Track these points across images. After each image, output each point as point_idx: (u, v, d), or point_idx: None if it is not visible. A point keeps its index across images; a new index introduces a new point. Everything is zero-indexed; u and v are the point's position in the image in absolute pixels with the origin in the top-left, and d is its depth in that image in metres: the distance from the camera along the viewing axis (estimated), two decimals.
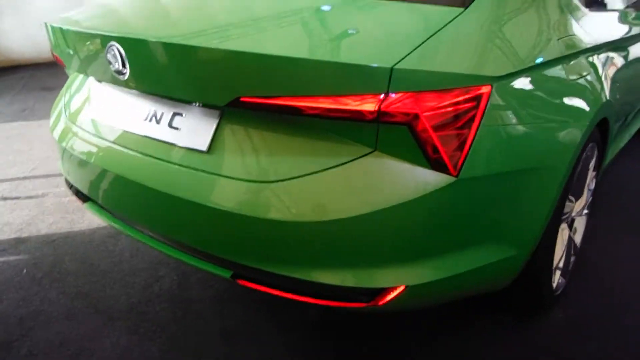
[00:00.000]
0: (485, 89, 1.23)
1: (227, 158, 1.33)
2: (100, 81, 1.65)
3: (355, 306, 1.33)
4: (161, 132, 1.44)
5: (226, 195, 1.31)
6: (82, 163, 1.64)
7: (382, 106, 1.16)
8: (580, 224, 2.06)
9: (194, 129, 1.38)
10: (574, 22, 1.73)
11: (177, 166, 1.38)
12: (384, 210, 1.20)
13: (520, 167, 1.36)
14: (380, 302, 1.30)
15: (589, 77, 1.69)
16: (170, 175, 1.39)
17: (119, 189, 1.54)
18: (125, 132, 1.53)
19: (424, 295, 1.36)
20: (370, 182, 1.23)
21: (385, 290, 1.30)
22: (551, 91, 1.50)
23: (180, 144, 1.40)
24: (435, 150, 1.19)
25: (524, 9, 1.50)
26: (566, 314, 1.88)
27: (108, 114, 1.60)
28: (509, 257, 1.45)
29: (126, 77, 1.41)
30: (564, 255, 1.89)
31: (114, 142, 1.55)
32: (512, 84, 1.31)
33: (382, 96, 1.15)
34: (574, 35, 1.68)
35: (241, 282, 1.41)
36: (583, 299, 1.96)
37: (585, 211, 2.08)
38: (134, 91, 1.52)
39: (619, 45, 2.11)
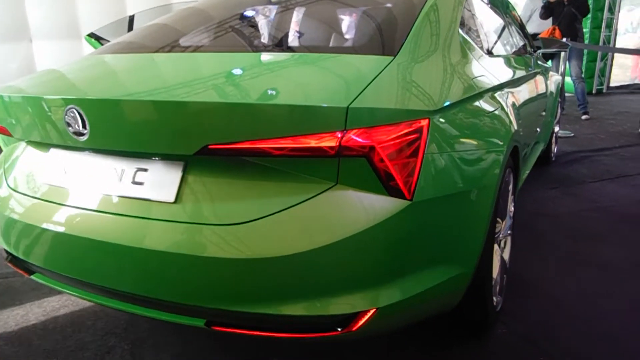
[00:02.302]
0: (424, 122, 1.41)
1: (194, 206, 1.39)
2: (53, 145, 1.64)
3: (332, 335, 1.39)
4: (124, 189, 1.46)
5: (196, 241, 1.36)
6: (33, 231, 1.60)
7: (341, 142, 1.29)
8: (507, 244, 2.28)
9: (158, 182, 1.43)
10: (481, 65, 2.01)
11: (144, 220, 1.41)
12: (349, 239, 1.31)
13: (459, 189, 1.54)
14: (354, 328, 1.38)
15: (499, 111, 1.95)
16: (137, 229, 1.41)
17: (79, 252, 1.52)
18: (85, 193, 1.53)
19: (392, 317, 1.45)
20: (335, 214, 1.33)
21: (357, 315, 1.38)
22: (474, 122, 1.72)
23: (146, 198, 1.43)
24: (391, 177, 1.33)
25: (440, 56, 1.74)
26: (509, 329, 2.05)
27: (63, 177, 1.59)
28: (458, 275, 1.60)
29: (86, 137, 1.44)
30: (499, 273, 2.08)
31: (71, 205, 1.54)
32: (444, 117, 1.50)
33: (340, 133, 1.29)
34: (483, 75, 1.95)
35: (216, 328, 1.42)
36: (521, 313, 2.15)
37: (509, 231, 2.31)
38: (91, 152, 1.54)
39: (515, 84, 2.45)
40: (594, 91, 9.89)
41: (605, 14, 9.35)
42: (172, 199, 1.39)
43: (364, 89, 1.34)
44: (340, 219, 1.33)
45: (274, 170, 1.35)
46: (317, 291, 1.36)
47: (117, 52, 2.05)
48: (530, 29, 6.44)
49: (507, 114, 2.03)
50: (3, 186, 1.77)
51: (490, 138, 1.79)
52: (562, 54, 6.35)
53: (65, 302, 2.36)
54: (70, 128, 1.45)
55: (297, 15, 2.25)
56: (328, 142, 1.29)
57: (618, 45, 10.03)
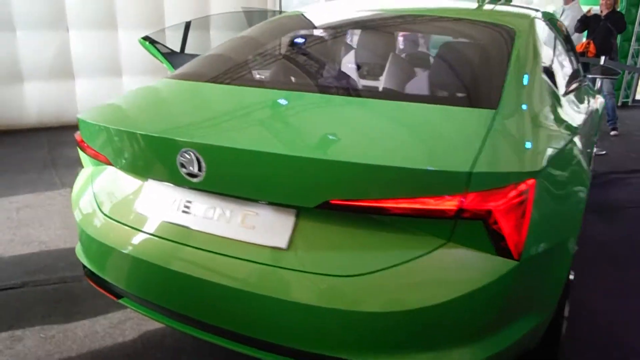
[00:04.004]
0: (530, 182, 1.43)
1: (306, 254, 1.41)
2: (155, 179, 1.67)
3: None
4: (232, 230, 1.49)
5: (308, 290, 1.39)
6: (127, 260, 1.63)
7: (462, 205, 1.31)
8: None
9: (270, 227, 1.45)
10: (563, 110, 2.02)
11: (253, 263, 1.44)
12: (460, 298, 1.34)
13: (556, 241, 1.57)
14: None
15: (580, 155, 1.97)
16: (245, 272, 1.44)
17: (178, 286, 1.55)
18: (186, 229, 1.56)
19: None
20: (446, 272, 1.37)
21: None
22: (565, 173, 1.74)
23: (256, 242, 1.45)
24: (502, 238, 1.36)
25: (533, 106, 1.75)
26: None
27: (165, 210, 1.61)
28: (543, 320, 1.63)
29: (199, 180, 1.46)
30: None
31: (172, 239, 1.56)
32: (545, 174, 1.52)
33: (460, 196, 1.31)
34: (566, 121, 1.97)
35: None
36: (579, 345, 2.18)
37: None
38: (197, 190, 1.57)
39: (585, 122, 2.46)
40: (619, 104, 9.85)
41: (636, 27, 9.26)
42: (284, 246, 1.42)
43: (480, 151, 1.36)
44: (451, 278, 1.36)
45: (388, 224, 1.38)
46: (422, 346, 1.39)
47: (217, 82, 2.05)
48: None
49: (584, 155, 2.05)
50: (94, 209, 1.80)
51: (578, 186, 1.81)
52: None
53: (129, 314, 2.40)
54: (183, 169, 1.48)
55: (389, 59, 2.26)
56: (448, 204, 1.31)
57: None
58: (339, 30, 2.64)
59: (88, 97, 5.89)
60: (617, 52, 7.00)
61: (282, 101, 1.77)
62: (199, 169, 1.45)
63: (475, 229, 1.35)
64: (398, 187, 1.32)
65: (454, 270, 1.36)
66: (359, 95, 1.83)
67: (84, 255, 1.87)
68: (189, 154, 1.45)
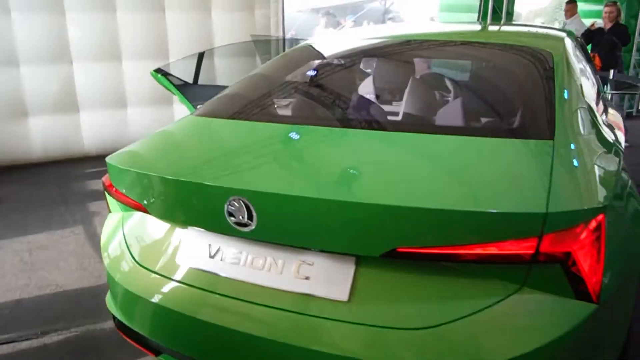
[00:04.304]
0: (600, 217, 1.33)
1: (369, 306, 1.31)
2: (197, 227, 1.57)
3: None
4: (286, 282, 1.39)
5: (373, 345, 1.28)
6: (169, 313, 1.52)
7: (539, 248, 1.21)
8: None
9: (327, 278, 1.35)
10: (606, 133, 1.93)
11: (311, 317, 1.33)
12: (538, 349, 1.23)
13: (627, 276, 1.47)
14: None
15: (628, 178, 1.86)
16: (302, 326, 1.34)
17: (225, 343, 1.44)
18: (232, 281, 1.46)
19: None
20: (523, 320, 1.26)
21: None
22: (625, 202, 1.64)
23: (313, 294, 1.35)
24: (581, 280, 1.26)
25: (585, 132, 1.67)
26: None
27: (207, 261, 1.51)
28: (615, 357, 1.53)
29: (250, 229, 1.37)
30: None
31: (216, 292, 1.46)
32: (611, 206, 1.43)
33: (537, 239, 1.21)
34: (613, 145, 1.88)
35: None
36: None
37: None
38: (244, 239, 1.47)
39: (619, 142, 2.37)
40: (624, 114, 9.82)
41: (636, 38, 9.29)
42: (345, 298, 1.32)
43: (549, 189, 1.27)
44: (529, 327, 1.26)
45: (457, 271, 1.28)
46: None
47: (250, 119, 1.97)
48: None
49: (628, 176, 1.96)
50: (127, 258, 1.70)
51: (634, 210, 1.72)
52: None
53: None
54: (232, 218, 1.38)
55: (422, 91, 2.18)
56: (524, 248, 1.22)
57: None
58: (367, 62, 2.57)
59: (93, 129, 5.81)
60: (622, 65, 6.98)
61: (329, 140, 1.69)
62: (249, 218, 1.36)
63: (551, 272, 1.26)
64: (470, 232, 1.22)
65: (531, 319, 1.26)
66: (403, 130, 1.74)
67: (116, 307, 1.77)
68: (238, 202, 1.35)
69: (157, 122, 6.05)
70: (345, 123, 2.04)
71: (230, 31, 6.09)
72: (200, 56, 3.49)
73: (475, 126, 1.85)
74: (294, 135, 1.74)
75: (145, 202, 1.61)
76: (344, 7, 13.80)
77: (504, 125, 1.80)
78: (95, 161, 5.67)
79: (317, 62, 2.57)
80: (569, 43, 2.23)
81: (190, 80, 3.53)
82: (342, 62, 2.57)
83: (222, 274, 1.48)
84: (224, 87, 4.42)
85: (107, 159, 1.76)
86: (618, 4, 6.51)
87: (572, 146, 1.53)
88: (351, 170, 1.45)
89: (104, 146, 5.84)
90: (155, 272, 1.60)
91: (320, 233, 1.32)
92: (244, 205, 1.35)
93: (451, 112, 1.99)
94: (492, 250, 1.22)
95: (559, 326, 1.25)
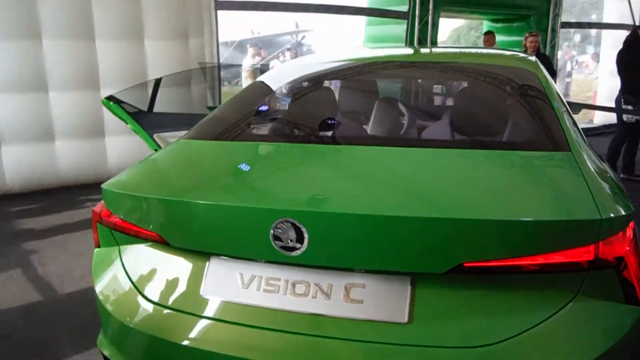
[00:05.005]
0: (632, 223, 1.39)
1: (429, 327, 1.26)
2: (226, 255, 1.44)
3: None
4: (335, 308, 1.30)
5: None
6: (199, 355, 1.37)
7: (597, 254, 1.23)
8: None
9: (382, 300, 1.29)
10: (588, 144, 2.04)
11: (365, 343, 1.26)
12: (600, 357, 1.23)
13: None
14: None
15: None
16: (357, 354, 1.26)
17: None
18: (273, 311, 1.34)
19: None
20: (581, 328, 1.27)
21: None
22: None
23: (368, 318, 1.28)
24: (631, 285, 1.30)
25: (584, 141, 1.75)
26: None
27: (242, 292, 1.38)
28: None
29: (299, 253, 1.27)
30: None
31: (254, 326, 1.34)
32: None
33: (594, 245, 1.23)
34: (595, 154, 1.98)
35: None
36: None
37: None
38: (282, 265, 1.37)
39: None
40: None
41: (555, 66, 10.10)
42: (404, 320, 1.26)
43: (592, 197, 1.30)
44: (588, 335, 1.27)
45: (515, 283, 1.27)
46: None
47: (269, 140, 1.91)
48: None
49: None
50: (134, 297, 1.52)
51: None
52: None
53: None
54: (277, 242, 1.28)
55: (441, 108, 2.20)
56: (584, 255, 1.24)
57: None
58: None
59: (16, 164, 5.33)
60: None
61: (367, 158, 1.63)
62: (298, 241, 1.26)
63: (604, 278, 1.28)
64: (534, 242, 1.22)
65: (589, 326, 1.27)
66: (431, 146, 1.72)
67: (120, 352, 1.57)
68: (286, 224, 1.26)
69: (90, 155, 5.68)
70: (383, 142, 2.04)
71: (164, 60, 5.89)
72: (157, 83, 3.31)
73: (501, 141, 1.86)
74: (323, 155, 1.68)
75: (162, 231, 1.46)
76: (258, 41, 14.05)
77: (524, 139, 1.82)
78: (20, 199, 5.20)
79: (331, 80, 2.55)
80: (539, 63, 2.36)
81: (144, 108, 3.34)
82: (355, 80, 2.56)
83: (259, 305, 1.36)
84: (182, 115, 4.24)
85: (105, 186, 1.60)
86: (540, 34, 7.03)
87: (585, 156, 1.59)
88: (408, 186, 1.41)
89: (29, 183, 5.39)
90: (175, 309, 1.44)
91: (378, 253, 1.26)
92: (293, 228, 1.26)
93: (471, 128, 2.00)
94: (555, 259, 1.23)
95: (615, 331, 1.27)
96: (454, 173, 1.50)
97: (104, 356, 1.64)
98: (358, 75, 2.49)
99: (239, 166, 1.62)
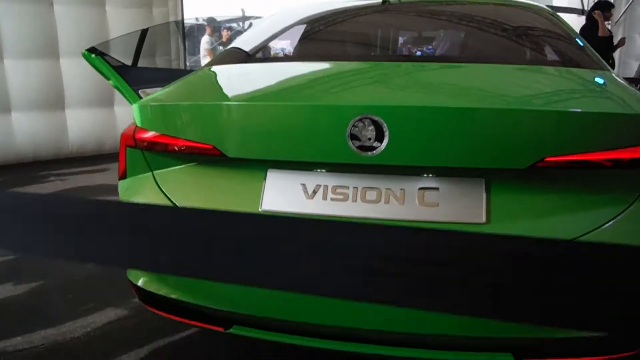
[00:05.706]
0: None
1: (507, 225, 1.25)
2: (275, 166, 1.38)
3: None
4: (408, 212, 1.26)
5: None
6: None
7: None
8: None
9: (457, 202, 1.26)
10: None
11: None
12: None
13: None
14: None
15: None
16: None
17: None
18: (342, 219, 1.29)
19: None
20: None
21: None
22: None
23: (445, 220, 1.25)
24: None
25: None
26: None
27: (307, 203, 1.31)
28: None
29: (376, 153, 1.23)
30: None
31: None
32: None
33: None
34: None
35: None
36: None
37: None
38: (343, 173, 1.32)
39: None
40: None
41: None
42: (482, 220, 1.24)
43: None
44: None
45: (585, 179, 1.28)
46: None
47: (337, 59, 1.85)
48: None
49: None
50: None
51: None
52: None
53: None
54: (355, 142, 1.23)
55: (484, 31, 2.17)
56: None
57: None
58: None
59: None
60: None
61: (440, 71, 1.61)
62: (378, 139, 1.22)
63: None
64: (611, 137, 1.23)
65: None
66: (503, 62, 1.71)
67: (159, 280, 1.47)
68: (366, 122, 1.21)
69: (50, 129, 5.36)
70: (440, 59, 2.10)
71: (127, 28, 5.62)
72: (143, 35, 3.12)
73: (552, 59, 1.86)
74: (398, 66, 1.65)
75: (217, 141, 1.37)
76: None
77: (574, 60, 1.85)
78: None
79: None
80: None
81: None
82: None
83: (327, 214, 1.31)
84: (166, 70, 4.03)
85: (141, 102, 1.49)
86: None
87: (617, 76, 1.64)
88: (489, 86, 1.39)
89: None
90: None
91: (462, 149, 1.23)
92: (373, 125, 1.21)
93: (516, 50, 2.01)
94: (627, 154, 1.24)
95: None
96: (529, 78, 1.50)
97: (134, 285, 1.54)
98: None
99: (301, 74, 1.54)
